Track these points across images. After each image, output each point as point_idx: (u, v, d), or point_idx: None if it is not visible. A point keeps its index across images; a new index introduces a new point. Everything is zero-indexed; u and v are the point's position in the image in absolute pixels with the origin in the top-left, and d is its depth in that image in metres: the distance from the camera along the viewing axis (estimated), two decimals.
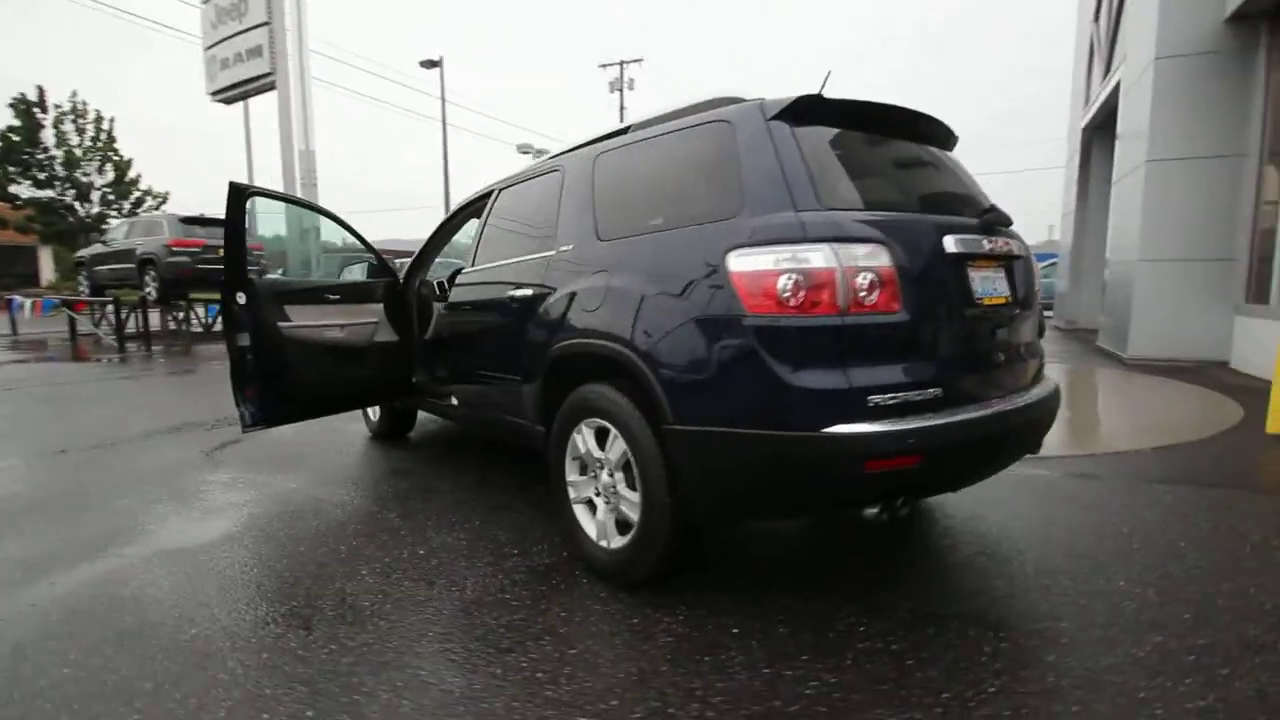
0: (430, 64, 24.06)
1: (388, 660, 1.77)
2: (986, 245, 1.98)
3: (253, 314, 3.13)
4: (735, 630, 1.89)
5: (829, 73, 2.35)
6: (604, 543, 2.21)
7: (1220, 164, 6.46)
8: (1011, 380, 2.06)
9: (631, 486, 2.11)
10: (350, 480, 3.47)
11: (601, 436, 2.22)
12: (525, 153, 33.49)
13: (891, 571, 2.27)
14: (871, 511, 1.73)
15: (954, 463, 1.81)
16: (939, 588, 2.14)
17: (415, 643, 1.86)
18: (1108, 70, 9.46)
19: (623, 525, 2.17)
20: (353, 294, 3.66)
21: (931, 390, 1.75)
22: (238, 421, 3.20)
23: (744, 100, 2.12)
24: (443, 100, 24.15)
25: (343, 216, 3.81)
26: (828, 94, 1.94)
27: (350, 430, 4.64)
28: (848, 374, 1.65)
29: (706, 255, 1.84)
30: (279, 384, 3.25)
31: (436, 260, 4.06)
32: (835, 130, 1.94)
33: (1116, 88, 8.48)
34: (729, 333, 1.75)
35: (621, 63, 32.54)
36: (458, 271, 4.36)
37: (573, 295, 2.28)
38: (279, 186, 13.55)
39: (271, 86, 13.23)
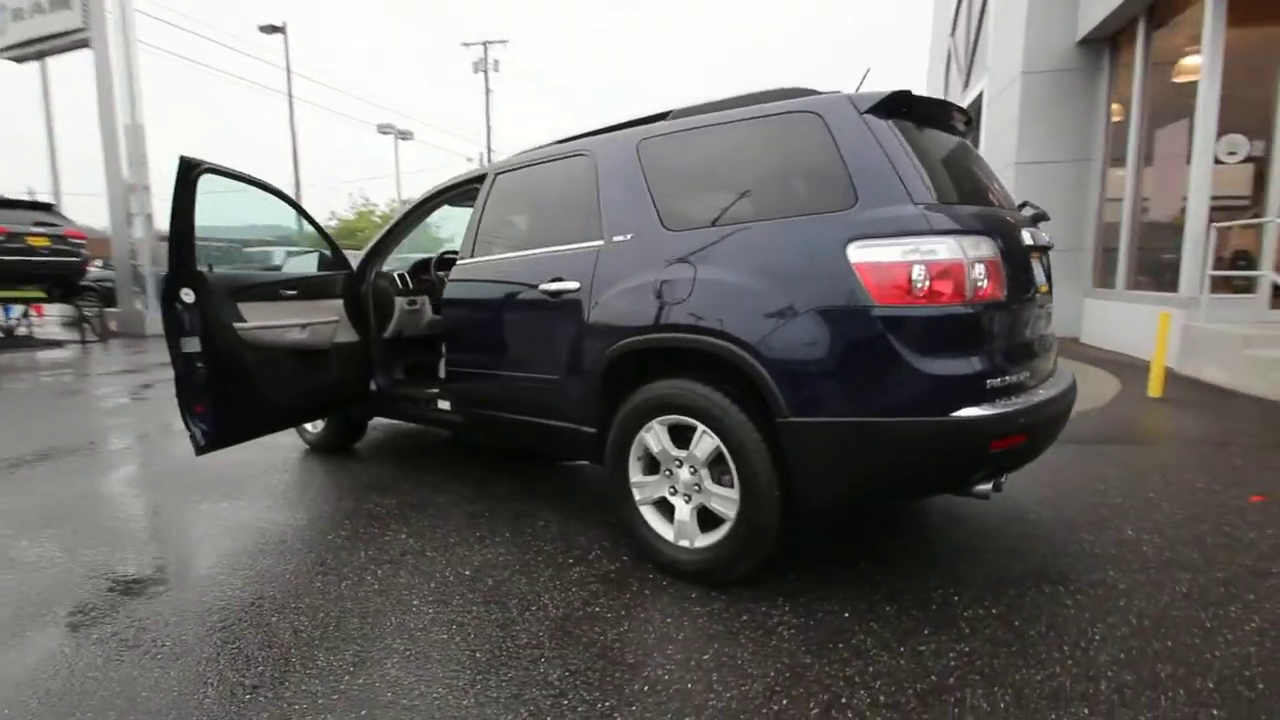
0: (271, 29, 21.62)
1: (516, 693, 1.62)
2: (1045, 238, 2.20)
3: (204, 314, 2.67)
4: (846, 615, 1.96)
5: (868, 70, 2.46)
6: (685, 543, 2.18)
7: (1073, 167, 7.61)
8: (1049, 363, 2.30)
9: (719, 483, 2.09)
10: (321, 502, 3.08)
11: (678, 433, 2.18)
12: (386, 133, 31.42)
13: (936, 544, 2.45)
14: (983, 488, 1.87)
15: (1041, 439, 2.00)
16: (993, 552, 2.35)
17: (531, 670, 1.72)
18: (967, 81, 10.73)
19: (706, 523, 2.15)
20: (310, 289, 3.24)
21: (1024, 372, 1.92)
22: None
23: (814, 92, 2.17)
24: (288, 71, 21.84)
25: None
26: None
27: (278, 443, 4.11)
28: (970, 360, 1.77)
29: (821, 246, 1.86)
30: (237, 396, 2.82)
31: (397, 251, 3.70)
32: (913, 125, 2.04)
33: (979, 97, 9.66)
34: (855, 324, 1.79)
35: (485, 43, 31.46)
36: (424, 263, 4.05)
37: (642, 288, 2.19)
38: (98, 167, 11.54)
39: (84, 45, 11.19)
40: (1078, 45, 7.34)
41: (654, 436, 2.21)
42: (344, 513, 2.92)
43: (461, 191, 3.29)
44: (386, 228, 3.55)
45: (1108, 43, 7.21)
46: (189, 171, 2.57)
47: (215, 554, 2.52)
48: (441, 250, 3.90)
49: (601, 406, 2.37)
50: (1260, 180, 5.64)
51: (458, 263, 2.98)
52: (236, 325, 2.80)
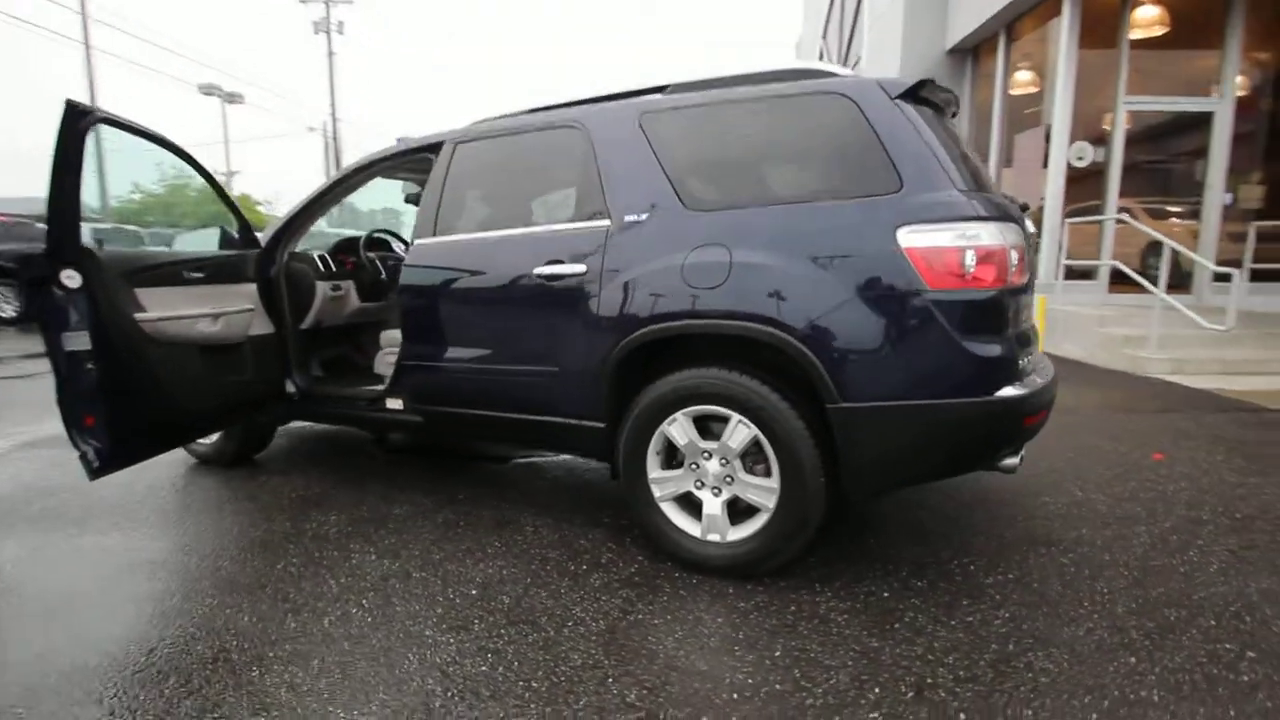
0: None
1: None
2: (1031, 227, 2.38)
3: (95, 302, 2.15)
4: (886, 594, 2.01)
5: (858, 59, 2.52)
6: (715, 537, 2.11)
7: None
8: (1037, 346, 2.50)
9: (752, 473, 2.05)
10: (247, 525, 2.62)
11: (702, 424, 2.10)
12: (210, 94, 27.60)
13: (924, 519, 2.60)
14: (1012, 461, 1.99)
15: (1049, 414, 2.17)
16: (979, 521, 2.53)
17: (603, 693, 1.57)
18: None
19: (737, 515, 2.11)
20: (220, 271, 2.73)
21: (1030, 353, 2.07)
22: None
23: (831, 73, 2.16)
24: (84, 15, 18.35)
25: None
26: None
27: (157, 458, 3.45)
28: (1006, 342, 1.86)
29: (868, 230, 1.86)
30: (140, 403, 2.31)
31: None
32: (930, 112, 2.11)
33: None
34: (908, 307, 1.81)
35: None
36: (349, 242, 3.57)
37: (666, 272, 2.08)
38: None
39: None
40: (947, 54, 8.17)
41: (679, 429, 2.12)
42: (283, 536, 2.51)
43: (401, 163, 2.94)
44: (304, 201, 3.08)
45: (971, 53, 8.09)
46: (77, 121, 2.03)
47: (134, 600, 2.05)
48: (371, 229, 3.48)
49: (611, 399, 2.23)
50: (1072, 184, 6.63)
51: (415, 243, 2.65)
52: (137, 316, 2.28)
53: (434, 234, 2.62)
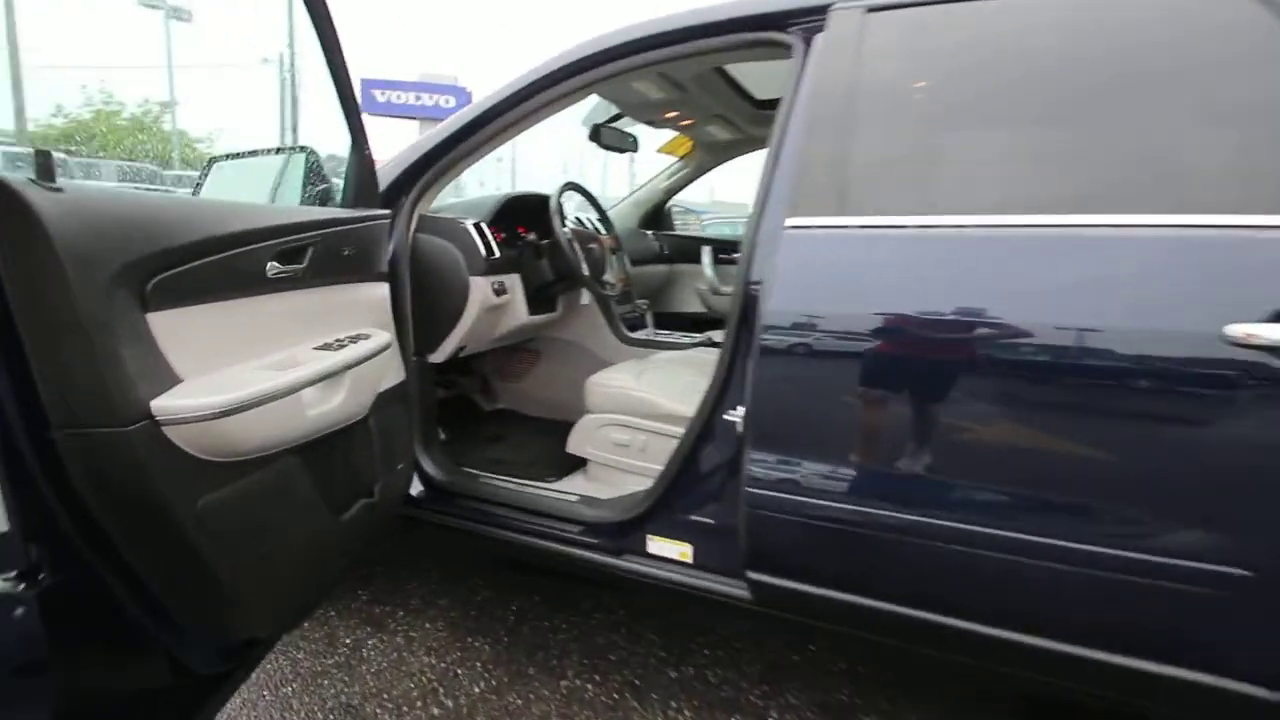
0: None
1: None
2: None
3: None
4: None
5: None
6: None
7: None
8: None
9: None
10: None
11: None
12: (152, 8, 24.04)
13: None
14: None
15: None
16: None
17: None
18: None
19: None
20: (331, 253, 1.20)
21: None
22: None
23: None
24: None
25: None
26: None
27: None
28: None
29: None
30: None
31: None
32: None
33: None
34: None
35: None
36: (528, 204, 2.06)
37: None
38: None
39: None
40: None
41: None
42: None
43: (668, 57, 1.44)
44: (459, 121, 1.55)
45: None
46: None
47: None
48: (564, 184, 1.96)
49: None
50: None
51: (790, 227, 1.17)
52: (156, 408, 0.78)
53: (838, 212, 1.16)
